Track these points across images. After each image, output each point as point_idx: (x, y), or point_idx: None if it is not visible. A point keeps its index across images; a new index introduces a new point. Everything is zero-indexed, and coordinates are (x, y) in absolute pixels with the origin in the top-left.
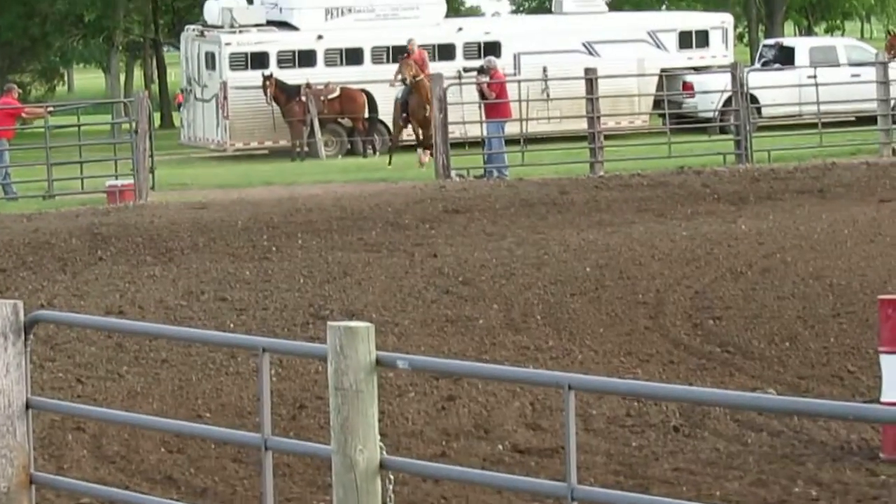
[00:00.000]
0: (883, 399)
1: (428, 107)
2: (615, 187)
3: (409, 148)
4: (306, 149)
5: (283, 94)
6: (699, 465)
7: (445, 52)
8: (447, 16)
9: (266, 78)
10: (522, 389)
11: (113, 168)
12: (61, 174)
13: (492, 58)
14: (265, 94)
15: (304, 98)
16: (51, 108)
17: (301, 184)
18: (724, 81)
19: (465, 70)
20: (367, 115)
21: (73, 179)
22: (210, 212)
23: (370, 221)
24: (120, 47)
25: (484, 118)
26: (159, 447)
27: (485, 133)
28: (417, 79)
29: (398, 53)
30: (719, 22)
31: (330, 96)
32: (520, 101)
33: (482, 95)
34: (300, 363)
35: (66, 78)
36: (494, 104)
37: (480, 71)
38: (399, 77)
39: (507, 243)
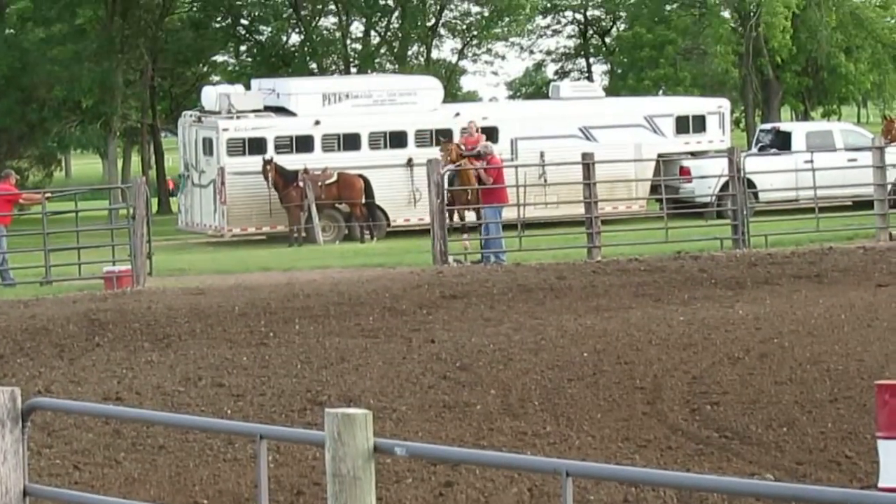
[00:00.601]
0: (881, 485)
1: (469, 190)
2: (612, 272)
3: (406, 234)
4: (304, 234)
5: (282, 180)
6: None
7: (443, 137)
8: (444, 101)
9: (267, 162)
10: (520, 475)
11: (110, 254)
12: (59, 260)
13: (488, 143)
14: (265, 178)
15: (301, 183)
16: (48, 194)
17: (299, 269)
18: (721, 166)
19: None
20: (364, 200)
21: (71, 265)
22: (207, 297)
23: (368, 307)
24: (117, 133)
25: (481, 203)
26: None
27: (482, 218)
28: (458, 164)
29: (395, 138)
30: (716, 107)
31: (327, 181)
32: (517, 186)
33: (479, 181)
34: (298, 449)
35: (63, 164)
36: (491, 189)
37: (477, 156)
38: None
39: (505, 328)
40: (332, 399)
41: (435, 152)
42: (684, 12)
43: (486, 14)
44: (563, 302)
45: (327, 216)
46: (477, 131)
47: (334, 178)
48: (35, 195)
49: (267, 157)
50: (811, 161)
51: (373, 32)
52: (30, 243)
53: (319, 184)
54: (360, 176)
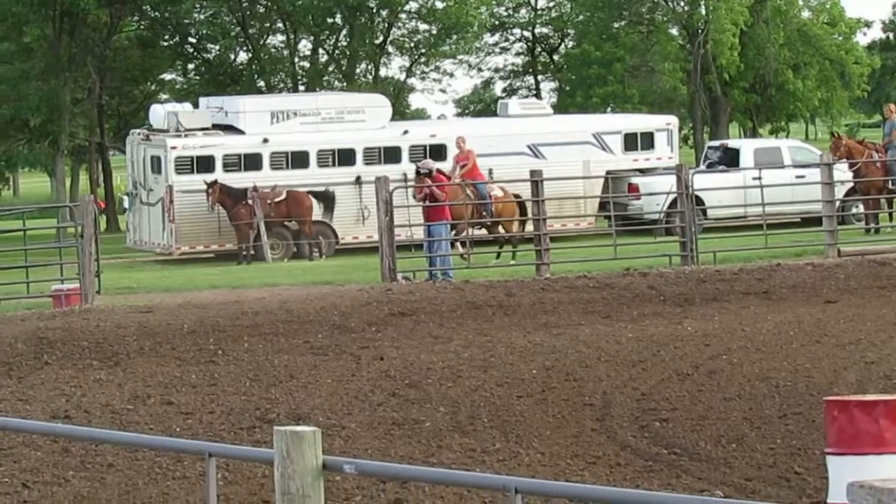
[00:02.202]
0: (830, 501)
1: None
2: (561, 289)
3: (354, 251)
4: (252, 252)
5: (230, 198)
6: None
7: (391, 154)
8: (393, 119)
9: (209, 185)
10: (470, 492)
11: (59, 272)
12: (6, 279)
13: (429, 160)
14: (208, 200)
15: (250, 201)
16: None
17: (247, 287)
18: (669, 183)
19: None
20: (313, 217)
21: (19, 284)
22: (156, 315)
23: (316, 324)
24: (65, 151)
25: (426, 220)
26: None
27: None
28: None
29: (344, 156)
30: (664, 124)
31: (277, 199)
32: (466, 203)
33: (433, 198)
34: (247, 467)
35: (11, 182)
36: (439, 206)
37: (419, 174)
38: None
39: (454, 346)
40: (281, 417)
41: (384, 170)
42: (632, 30)
43: (434, 32)
44: (511, 319)
45: (276, 234)
46: (463, 142)
47: (283, 196)
48: None
49: (209, 179)
50: (759, 178)
51: (321, 50)
52: None
53: (269, 201)
54: (311, 193)
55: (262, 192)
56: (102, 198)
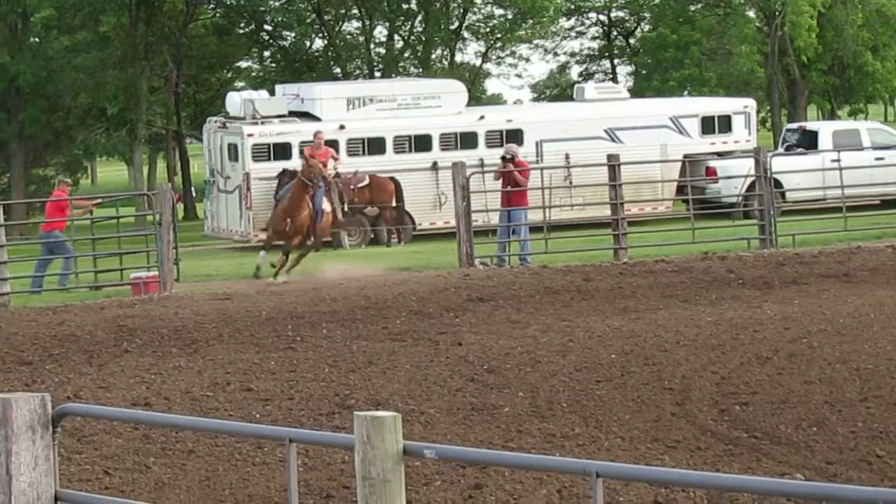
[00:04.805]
0: None
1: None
2: (639, 273)
3: (432, 237)
4: (329, 238)
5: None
6: None
7: (467, 140)
8: (469, 104)
9: (281, 174)
10: (549, 477)
11: (139, 260)
12: (86, 267)
13: (513, 145)
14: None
15: (332, 187)
16: (99, 200)
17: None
18: (747, 166)
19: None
20: (394, 203)
21: (101, 272)
22: (235, 302)
23: (394, 310)
24: (143, 140)
25: (506, 206)
26: None
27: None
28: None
29: (420, 142)
30: (742, 107)
31: (360, 185)
32: (542, 188)
33: (515, 183)
34: (327, 453)
35: (89, 171)
36: (520, 191)
37: (504, 160)
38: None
39: (532, 331)
40: (361, 402)
41: (461, 155)
42: (708, 12)
43: (510, 17)
44: (590, 304)
45: (354, 220)
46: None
47: (366, 182)
48: (85, 201)
49: (286, 166)
50: (838, 160)
51: (396, 36)
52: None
53: (351, 187)
54: (392, 179)
55: (344, 177)
56: (180, 186)
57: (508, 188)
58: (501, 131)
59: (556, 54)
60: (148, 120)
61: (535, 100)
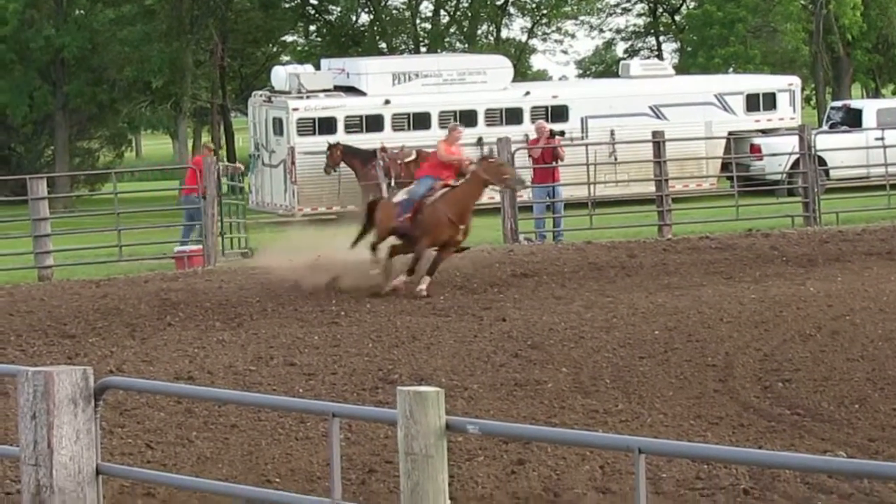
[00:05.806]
0: None
1: None
2: (683, 250)
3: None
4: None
5: (358, 159)
6: None
7: (513, 116)
8: (514, 80)
9: (332, 146)
10: (592, 453)
11: (181, 234)
12: (130, 240)
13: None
14: (331, 162)
15: (380, 161)
16: (240, 166)
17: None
18: (791, 144)
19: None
20: None
21: (142, 245)
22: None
23: (438, 286)
24: (187, 113)
25: (545, 182)
26: None
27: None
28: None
29: (465, 117)
30: (786, 84)
31: (407, 160)
32: (587, 164)
33: (559, 158)
34: (370, 428)
35: (133, 144)
36: (559, 167)
37: (552, 135)
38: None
39: (576, 307)
40: (404, 377)
41: (506, 131)
42: None
43: None
44: (634, 280)
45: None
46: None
47: (413, 156)
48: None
49: (332, 140)
50: (882, 138)
51: (442, 12)
52: (101, 224)
53: (399, 162)
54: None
55: (391, 152)
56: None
57: (553, 164)
58: (547, 107)
59: (601, 31)
60: (193, 93)
61: (580, 76)
